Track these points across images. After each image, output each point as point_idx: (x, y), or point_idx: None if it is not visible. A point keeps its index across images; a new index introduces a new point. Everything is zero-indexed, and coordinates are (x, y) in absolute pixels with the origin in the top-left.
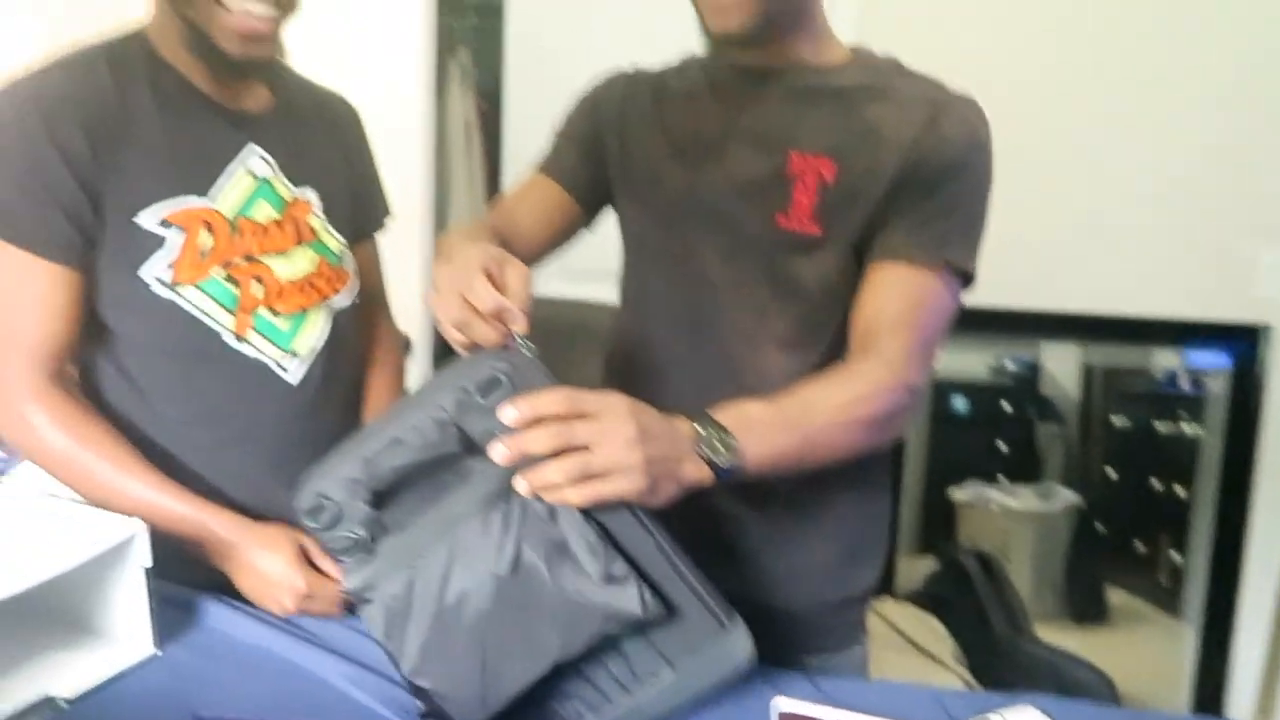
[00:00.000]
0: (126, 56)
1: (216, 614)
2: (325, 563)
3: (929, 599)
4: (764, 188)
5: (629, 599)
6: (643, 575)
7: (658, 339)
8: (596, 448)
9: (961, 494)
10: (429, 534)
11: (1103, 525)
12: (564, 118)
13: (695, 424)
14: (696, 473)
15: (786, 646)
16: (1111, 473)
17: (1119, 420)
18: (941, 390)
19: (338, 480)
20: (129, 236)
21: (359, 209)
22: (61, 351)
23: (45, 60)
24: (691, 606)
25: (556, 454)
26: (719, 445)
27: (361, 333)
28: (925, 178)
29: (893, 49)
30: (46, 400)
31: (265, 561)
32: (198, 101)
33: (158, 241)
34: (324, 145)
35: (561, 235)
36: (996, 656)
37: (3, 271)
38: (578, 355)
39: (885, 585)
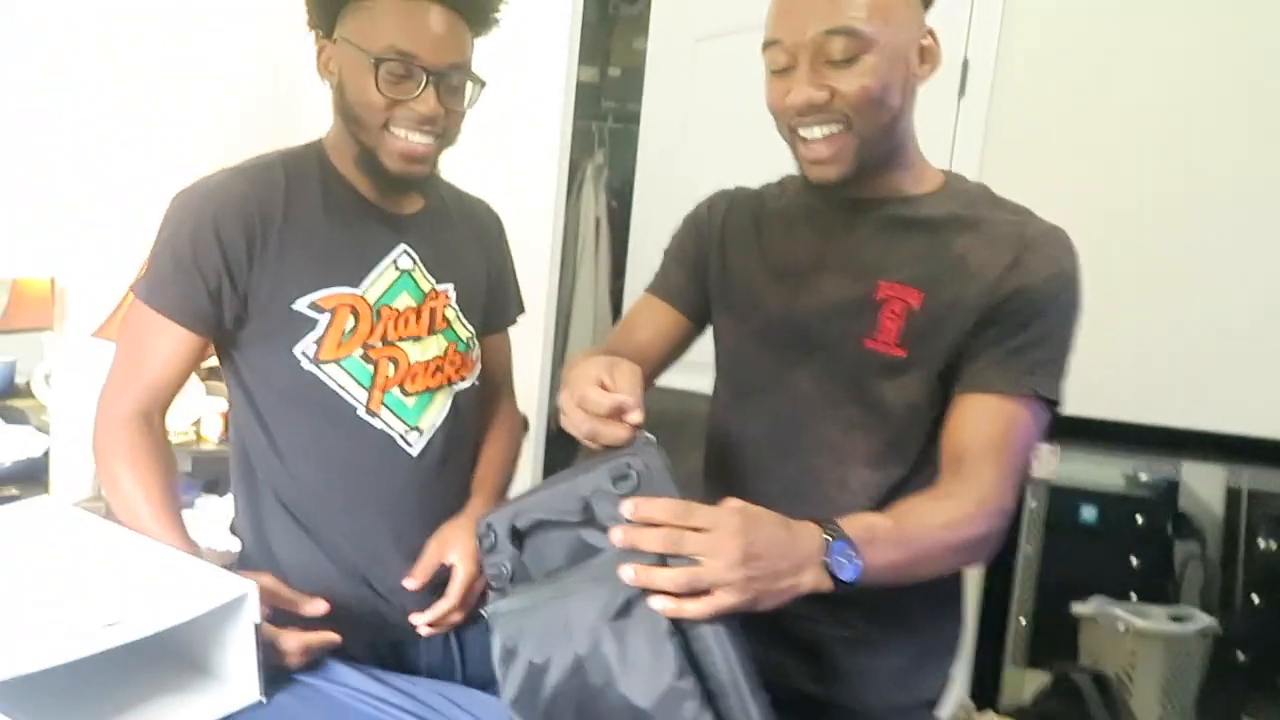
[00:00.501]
0: (304, 164)
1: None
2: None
3: (1034, 716)
4: (853, 312)
5: (686, 712)
6: (710, 695)
7: (749, 450)
8: (704, 560)
9: (1085, 609)
10: (549, 593)
11: (1242, 653)
12: (672, 238)
13: (825, 534)
14: (816, 581)
15: None
16: (1255, 599)
17: (1265, 544)
18: (1069, 498)
19: (498, 518)
20: (284, 318)
21: (493, 304)
22: (162, 398)
23: (233, 166)
24: None
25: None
26: (842, 559)
27: (483, 412)
28: (1012, 312)
29: (1021, 166)
30: (128, 432)
31: None
32: (360, 205)
33: (310, 323)
34: (466, 246)
35: (676, 349)
36: None
37: (143, 325)
38: (685, 443)
39: (989, 698)
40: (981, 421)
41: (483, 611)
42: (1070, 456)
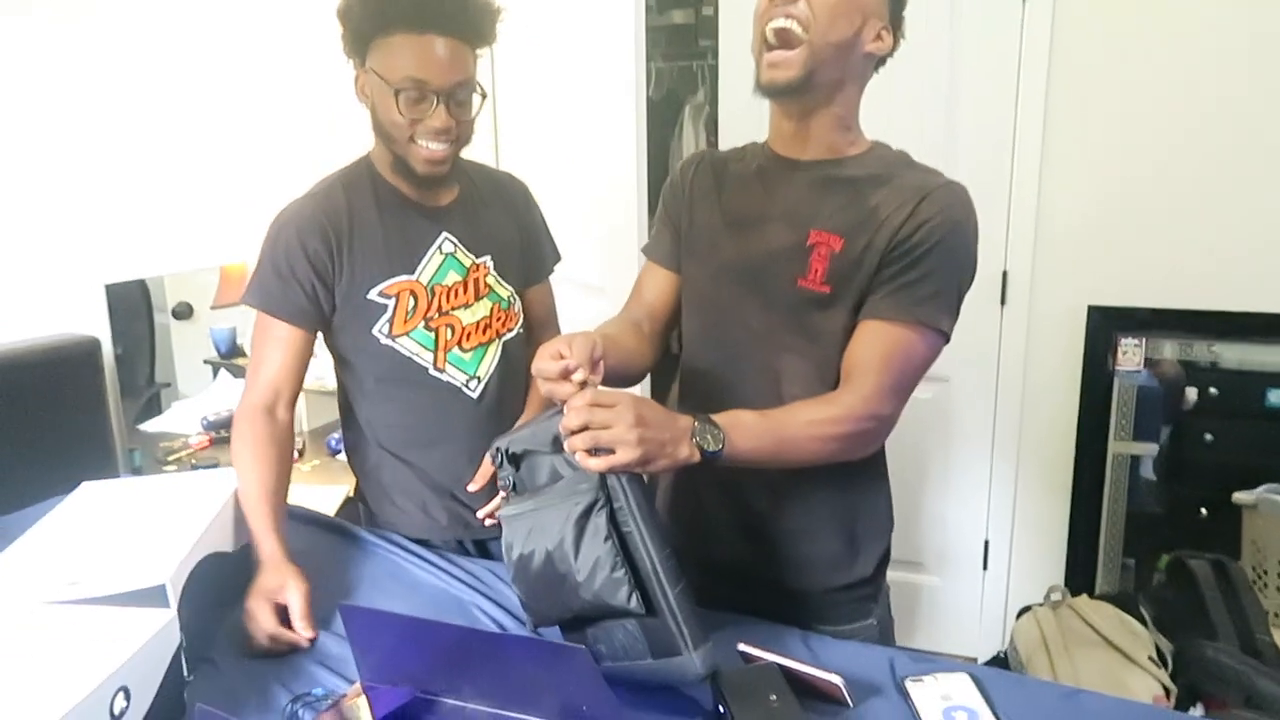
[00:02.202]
0: (357, 178)
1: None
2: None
3: (1141, 600)
4: (790, 256)
5: (621, 595)
6: (643, 589)
7: (711, 373)
8: (607, 428)
9: (1246, 497)
10: (532, 504)
11: None
12: (659, 202)
13: (695, 420)
14: (689, 452)
15: (804, 618)
16: None
17: None
18: (1256, 383)
19: (502, 443)
20: (362, 307)
21: (529, 261)
22: (284, 392)
23: (305, 193)
24: (668, 624)
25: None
26: (709, 437)
27: (531, 350)
28: (905, 253)
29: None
30: (250, 422)
31: (265, 591)
32: (406, 204)
33: (381, 308)
34: (497, 219)
35: (681, 298)
36: (1193, 662)
37: (262, 330)
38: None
39: (1089, 586)
40: (870, 342)
41: (498, 514)
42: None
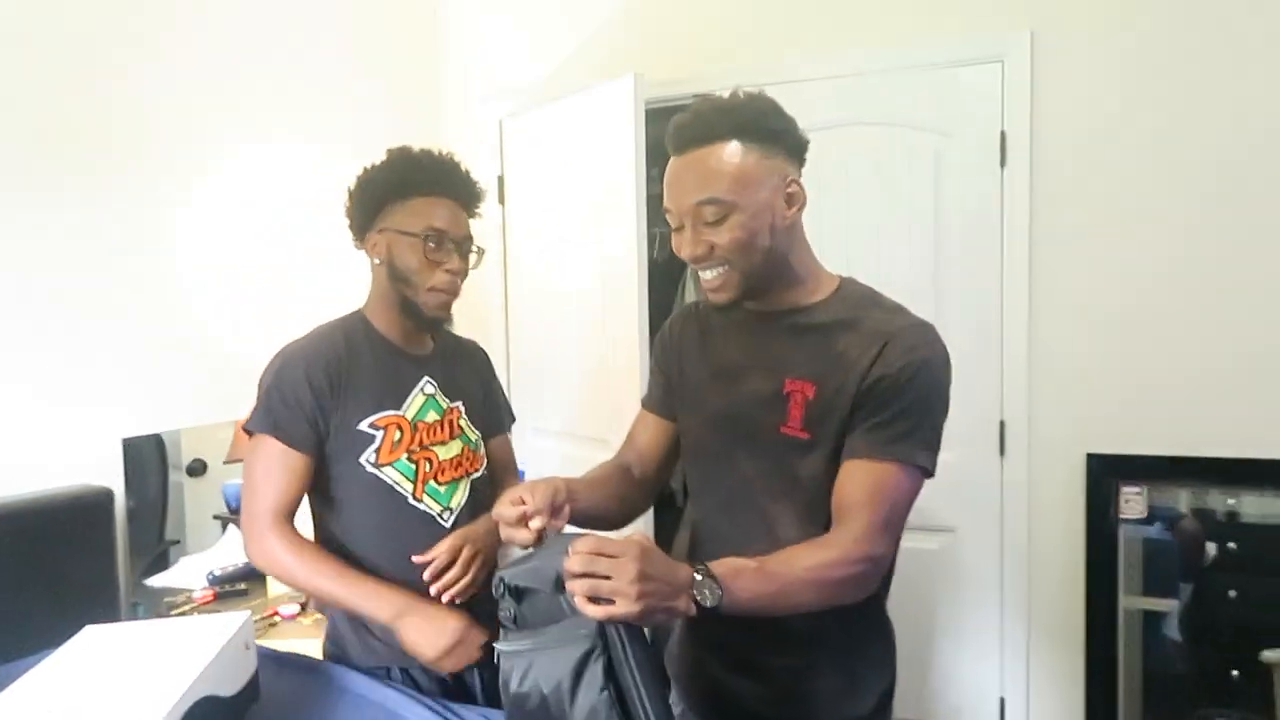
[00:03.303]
0: (352, 327)
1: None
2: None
3: None
4: (770, 404)
5: None
6: None
7: (711, 517)
8: (608, 579)
9: (1275, 655)
10: (531, 644)
11: None
12: (651, 356)
13: (695, 572)
14: (686, 606)
15: None
16: None
17: None
18: (1277, 535)
19: (505, 575)
20: (353, 437)
21: (489, 414)
22: (290, 507)
23: (307, 334)
24: None
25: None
26: (707, 591)
27: (494, 493)
28: (876, 394)
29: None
30: (279, 534)
31: (439, 618)
32: (395, 351)
33: (370, 438)
34: (465, 374)
35: (676, 449)
36: None
37: (265, 453)
38: None
39: None
40: (854, 483)
41: (495, 645)
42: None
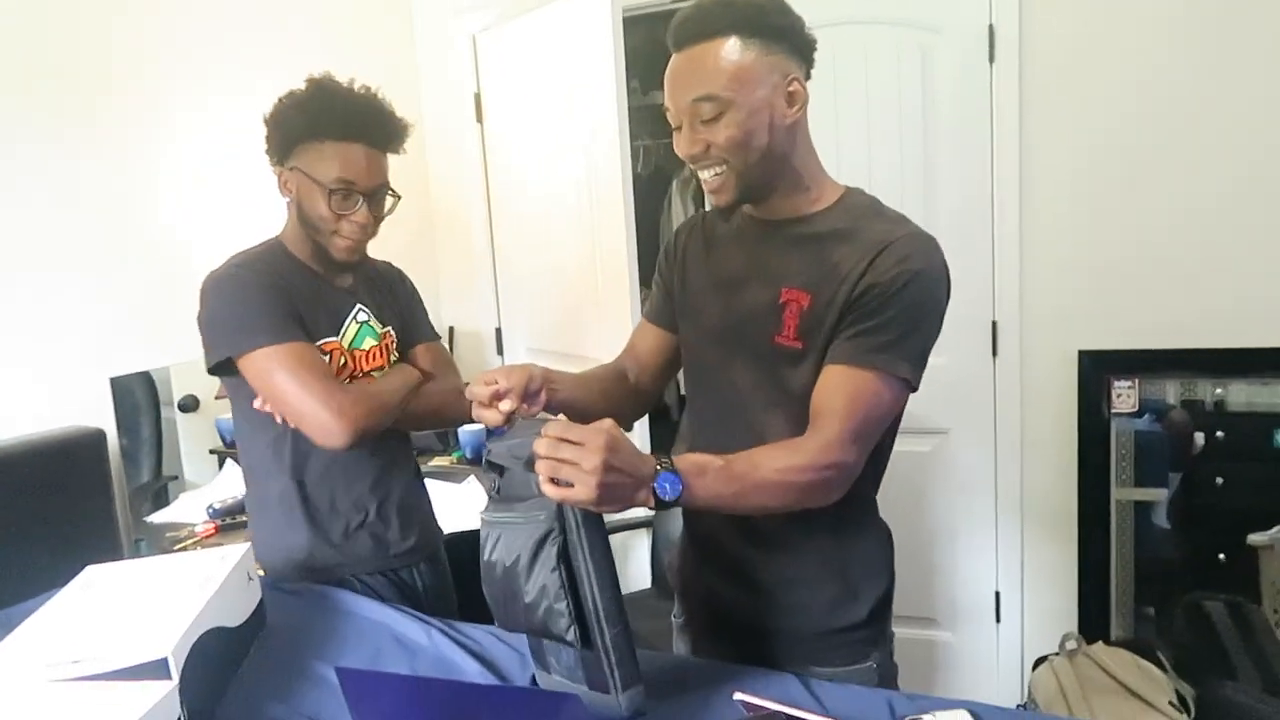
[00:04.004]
0: (273, 255)
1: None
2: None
3: (1160, 645)
4: (766, 314)
5: (560, 625)
6: (583, 624)
7: (705, 429)
8: (569, 464)
9: (1261, 538)
10: (503, 517)
11: None
12: (656, 266)
13: (659, 465)
14: (645, 498)
15: (800, 660)
16: None
17: None
18: (1264, 424)
19: (489, 447)
20: None
21: (410, 332)
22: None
23: (234, 258)
24: (602, 662)
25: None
26: (666, 484)
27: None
28: (864, 303)
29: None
30: (352, 394)
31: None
32: (321, 280)
33: None
34: (391, 300)
35: (672, 358)
36: (1215, 704)
37: (290, 356)
38: None
39: (1104, 633)
40: (832, 389)
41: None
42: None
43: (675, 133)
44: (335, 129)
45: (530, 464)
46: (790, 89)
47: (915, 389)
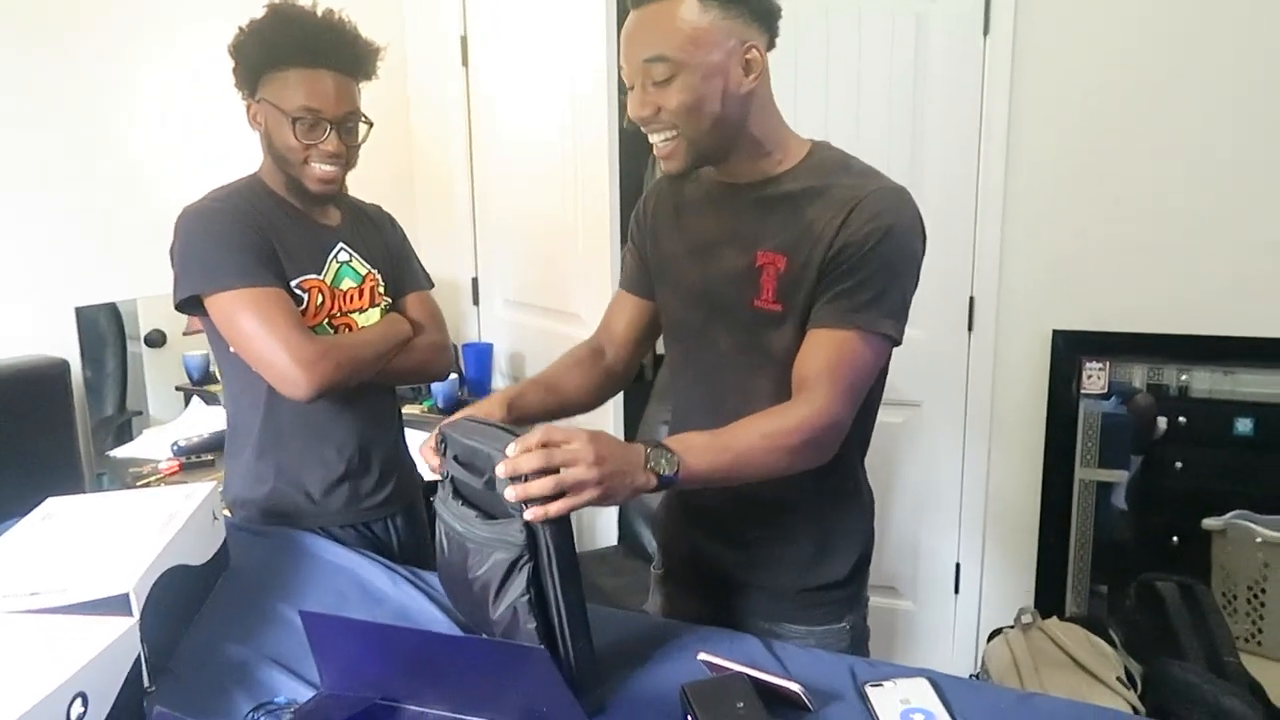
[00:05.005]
0: (252, 191)
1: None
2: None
3: (1110, 623)
4: (743, 278)
5: (528, 642)
6: (549, 636)
7: (690, 392)
8: (566, 468)
9: (1215, 523)
10: (461, 527)
11: None
12: (626, 234)
13: (647, 448)
14: (646, 481)
15: (776, 616)
16: None
17: None
18: (1225, 410)
19: (450, 434)
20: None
21: (401, 278)
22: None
23: (206, 196)
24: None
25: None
26: (664, 462)
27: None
28: (840, 263)
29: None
30: (319, 343)
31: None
32: (302, 216)
33: (299, 299)
34: (377, 239)
35: (650, 327)
36: (1161, 682)
37: (259, 299)
38: None
39: (1059, 609)
40: (816, 351)
41: (433, 499)
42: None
43: (629, 94)
44: (296, 55)
45: (491, 484)
46: (748, 56)
47: (899, 343)
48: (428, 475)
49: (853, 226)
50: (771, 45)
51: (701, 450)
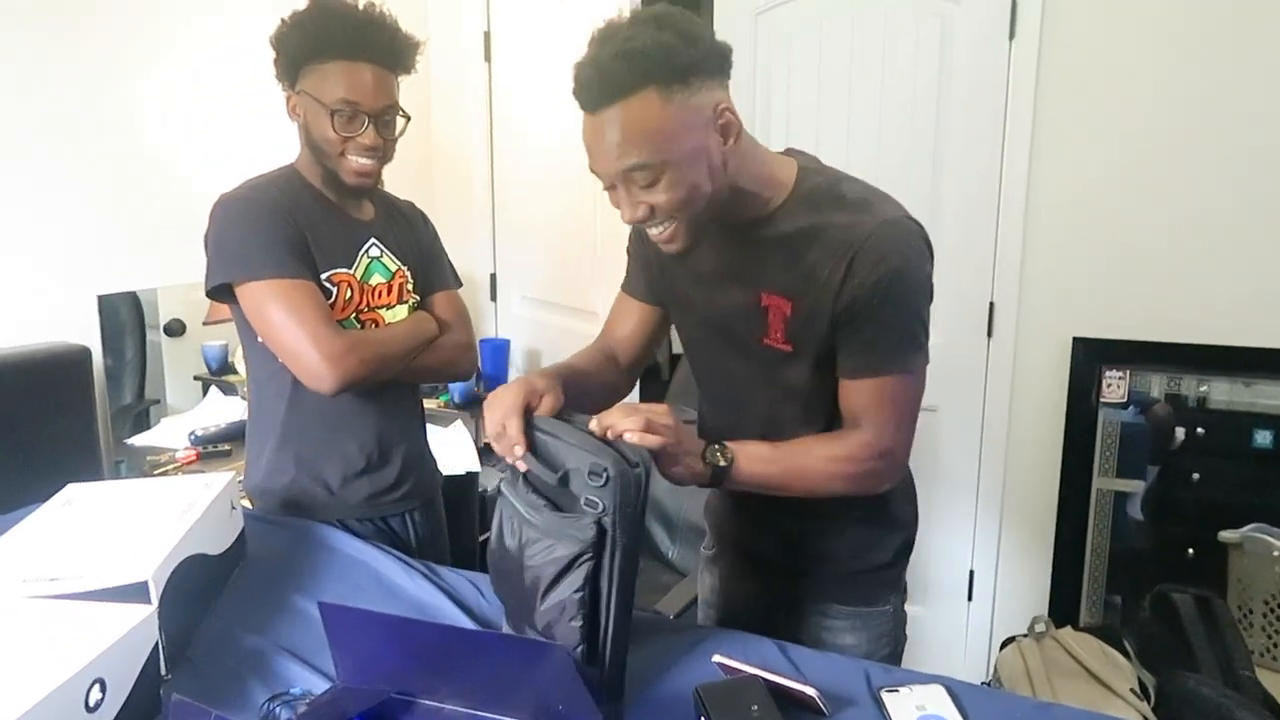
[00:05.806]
0: (288, 182)
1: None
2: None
3: (1124, 634)
4: (749, 316)
5: (569, 640)
6: (591, 639)
7: (715, 410)
8: (651, 413)
9: (1232, 535)
10: (530, 517)
11: None
12: (629, 238)
13: (708, 441)
14: (699, 467)
15: (824, 598)
16: None
17: None
18: (1244, 422)
19: (539, 426)
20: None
21: (430, 276)
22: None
23: (243, 185)
24: (595, 673)
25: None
26: (719, 455)
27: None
28: (854, 315)
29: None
30: (346, 337)
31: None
32: (336, 209)
33: (328, 293)
34: (408, 237)
35: (656, 333)
36: (1174, 694)
37: (291, 290)
38: None
39: (1073, 619)
40: (861, 397)
41: (500, 481)
42: (1251, 384)
43: (609, 192)
44: (338, 48)
45: (565, 479)
46: (721, 121)
47: (929, 361)
48: (446, 470)
49: (859, 276)
50: (729, 76)
51: (756, 456)
